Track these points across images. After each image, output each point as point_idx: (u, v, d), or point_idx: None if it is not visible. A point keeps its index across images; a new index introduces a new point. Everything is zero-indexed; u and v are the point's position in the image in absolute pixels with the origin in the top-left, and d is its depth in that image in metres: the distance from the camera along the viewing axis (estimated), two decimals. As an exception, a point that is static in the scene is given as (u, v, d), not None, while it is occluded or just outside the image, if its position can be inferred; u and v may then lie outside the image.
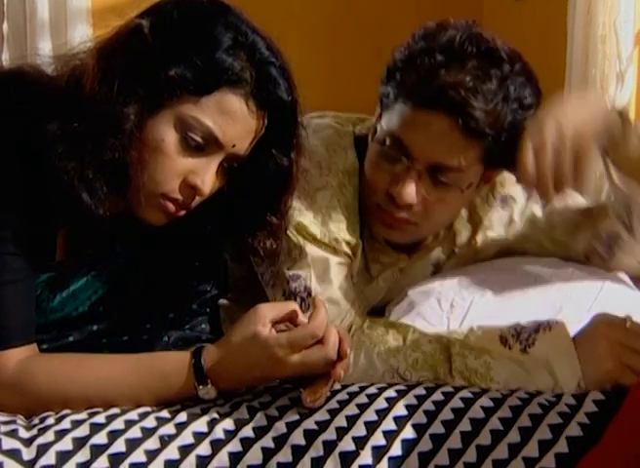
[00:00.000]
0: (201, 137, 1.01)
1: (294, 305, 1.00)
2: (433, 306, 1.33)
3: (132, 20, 1.03)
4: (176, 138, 1.01)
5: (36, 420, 0.95)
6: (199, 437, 0.92)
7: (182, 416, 0.95)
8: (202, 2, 1.04)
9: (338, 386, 1.00)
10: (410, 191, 1.26)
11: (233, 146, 1.03)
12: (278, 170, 1.09)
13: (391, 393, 0.97)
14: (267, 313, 0.97)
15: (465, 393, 0.98)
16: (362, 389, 0.99)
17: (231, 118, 1.01)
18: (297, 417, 0.94)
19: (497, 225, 1.45)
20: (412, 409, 0.94)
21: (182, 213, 1.07)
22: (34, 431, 0.92)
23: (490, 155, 1.26)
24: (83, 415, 0.94)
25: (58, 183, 0.98)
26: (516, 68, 1.26)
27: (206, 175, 1.03)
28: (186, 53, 0.99)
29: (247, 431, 0.93)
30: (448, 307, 1.32)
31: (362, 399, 0.96)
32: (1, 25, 2.50)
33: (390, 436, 0.92)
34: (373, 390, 0.98)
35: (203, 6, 1.04)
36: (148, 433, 0.92)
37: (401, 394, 0.97)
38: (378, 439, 0.91)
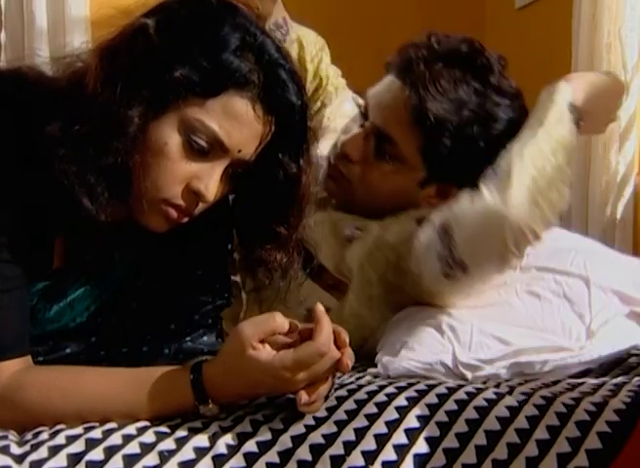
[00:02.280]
0: (206, 141, 0.97)
1: (277, 318, 0.93)
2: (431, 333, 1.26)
3: (137, 20, 0.99)
4: (179, 142, 0.97)
5: (29, 436, 0.91)
6: (200, 452, 0.88)
7: (183, 431, 0.92)
8: (209, 1, 1.01)
9: (344, 392, 0.96)
10: (352, 144, 1.38)
11: (239, 151, 1.00)
12: (286, 177, 1.05)
13: (402, 401, 0.93)
14: (252, 334, 0.91)
15: (480, 401, 0.94)
16: (370, 396, 0.95)
17: (237, 122, 0.98)
18: (302, 431, 0.90)
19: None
20: (424, 421, 0.91)
21: (185, 219, 1.03)
22: (27, 447, 0.88)
23: (430, 152, 1.32)
24: (78, 430, 0.91)
25: (57, 188, 0.94)
26: (504, 101, 1.34)
27: (210, 180, 1.00)
28: (192, 53, 0.96)
29: (250, 445, 0.89)
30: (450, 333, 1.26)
31: (371, 408, 0.93)
32: (-1, 34, 2.49)
33: (402, 450, 0.88)
34: (382, 398, 0.94)
35: (210, 5, 1.00)
36: (147, 448, 0.88)
37: (412, 402, 0.93)
38: (388, 453, 0.88)
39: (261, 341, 0.91)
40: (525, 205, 1.15)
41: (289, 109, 1.00)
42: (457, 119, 1.29)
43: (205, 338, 1.15)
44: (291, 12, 3.31)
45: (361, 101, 1.46)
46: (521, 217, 1.15)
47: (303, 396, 0.91)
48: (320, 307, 0.93)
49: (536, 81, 3.52)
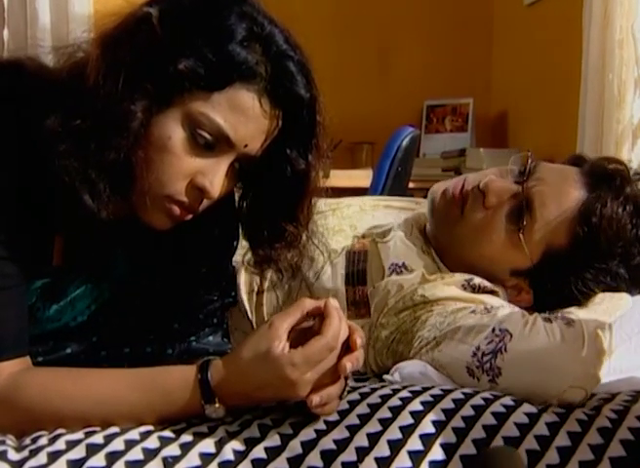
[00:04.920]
0: (211, 136, 0.94)
1: (306, 304, 0.91)
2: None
3: (139, 8, 0.96)
4: (183, 136, 0.94)
5: (27, 440, 0.88)
6: (206, 458, 0.86)
7: (188, 436, 0.89)
8: None
9: (356, 396, 0.93)
10: (497, 192, 1.29)
11: (245, 146, 0.96)
12: (295, 173, 1.02)
13: (417, 406, 0.90)
14: (282, 324, 0.89)
15: (497, 407, 0.91)
16: (384, 400, 0.92)
17: (243, 116, 0.94)
18: (313, 436, 0.87)
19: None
20: (440, 427, 0.87)
21: (189, 217, 1.00)
22: (25, 452, 0.85)
23: (556, 254, 1.27)
24: (79, 435, 0.88)
25: (57, 184, 0.91)
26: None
27: (215, 176, 0.96)
28: (197, 45, 0.92)
29: (258, 451, 0.86)
30: None
31: (384, 413, 0.89)
32: (2, 31, 2.48)
33: (417, 457, 0.85)
34: (396, 402, 0.91)
35: None
36: (150, 454, 0.85)
37: (427, 407, 0.90)
38: (403, 460, 0.84)
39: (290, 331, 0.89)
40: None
41: (297, 103, 0.97)
42: (607, 248, 1.25)
43: (210, 338, 1.13)
44: (294, 11, 3.28)
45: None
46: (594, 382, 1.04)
47: (315, 397, 0.88)
48: (332, 302, 0.90)
49: (545, 78, 3.50)
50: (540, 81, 3.19)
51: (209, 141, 0.94)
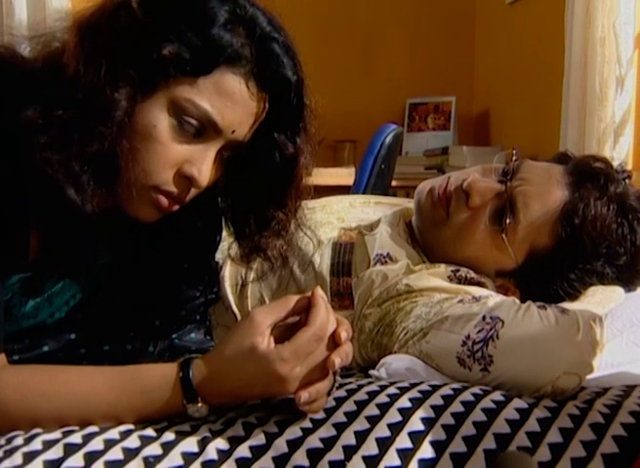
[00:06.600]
0: (197, 122, 0.92)
1: (291, 302, 0.89)
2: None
3: None
4: (169, 124, 0.92)
5: (2, 441, 0.85)
6: (189, 458, 0.83)
7: (170, 435, 0.86)
8: None
9: (343, 393, 0.91)
10: (481, 192, 1.28)
11: (233, 132, 0.95)
12: (283, 158, 1.00)
13: (405, 403, 0.88)
14: (265, 319, 0.87)
15: (487, 403, 0.90)
16: (371, 397, 0.90)
17: (230, 100, 0.92)
18: (299, 434, 0.85)
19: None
20: (429, 424, 0.85)
21: (176, 207, 0.98)
22: (-1, 453, 0.82)
23: (541, 255, 1.26)
24: (56, 435, 0.85)
25: (38, 177, 0.88)
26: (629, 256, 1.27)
27: (203, 164, 0.94)
28: (180, 29, 0.90)
29: (243, 450, 0.84)
30: None
31: (372, 410, 0.87)
32: (-23, 27, 2.43)
33: (406, 455, 0.83)
34: (384, 399, 0.89)
35: None
36: (131, 454, 0.83)
37: (416, 404, 0.88)
38: (391, 458, 0.82)
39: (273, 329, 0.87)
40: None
41: (284, 85, 0.95)
42: (591, 249, 1.24)
43: (193, 335, 1.11)
44: (277, 9, 3.26)
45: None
46: (588, 370, 1.04)
47: (303, 394, 0.86)
48: (319, 291, 0.89)
49: (528, 78, 3.50)
50: (522, 79, 3.19)
51: (196, 128, 0.92)
